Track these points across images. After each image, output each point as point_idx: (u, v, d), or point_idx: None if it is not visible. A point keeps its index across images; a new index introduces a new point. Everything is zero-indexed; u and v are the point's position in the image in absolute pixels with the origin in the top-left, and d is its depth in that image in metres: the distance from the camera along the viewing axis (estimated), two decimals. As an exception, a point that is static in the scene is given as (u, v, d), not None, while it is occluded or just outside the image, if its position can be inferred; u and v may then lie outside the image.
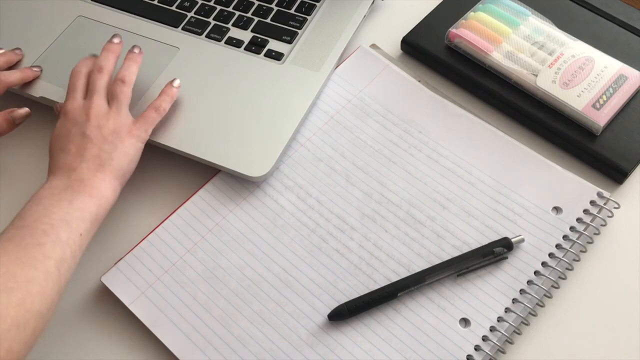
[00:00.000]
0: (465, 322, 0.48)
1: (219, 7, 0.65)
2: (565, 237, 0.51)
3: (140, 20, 0.64)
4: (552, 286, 0.49)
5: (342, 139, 0.57)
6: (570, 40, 0.58)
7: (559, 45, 0.58)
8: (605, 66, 0.57)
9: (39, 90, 0.59)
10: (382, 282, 0.50)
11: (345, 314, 0.48)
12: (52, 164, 0.50)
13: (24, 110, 0.55)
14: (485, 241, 0.51)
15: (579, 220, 0.52)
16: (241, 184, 0.55)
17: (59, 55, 0.62)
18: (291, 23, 0.63)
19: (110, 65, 0.55)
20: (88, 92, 0.54)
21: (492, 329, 0.47)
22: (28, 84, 0.59)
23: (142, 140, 0.53)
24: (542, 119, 0.56)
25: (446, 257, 0.50)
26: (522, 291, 0.49)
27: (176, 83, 0.56)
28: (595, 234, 0.51)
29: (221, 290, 0.50)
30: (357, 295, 0.49)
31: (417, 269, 0.50)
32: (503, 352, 0.47)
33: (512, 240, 0.50)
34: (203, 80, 0.59)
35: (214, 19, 0.64)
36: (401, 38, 0.63)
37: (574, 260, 0.50)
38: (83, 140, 0.50)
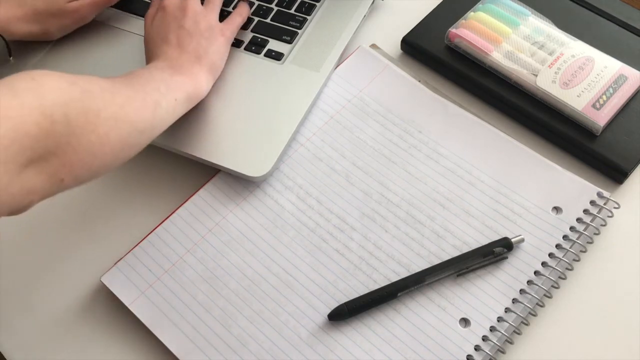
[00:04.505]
0: (465, 322, 0.48)
1: (219, 7, 0.65)
2: (565, 237, 0.51)
3: (141, 21, 0.64)
4: (552, 286, 0.49)
5: (342, 138, 0.57)
6: (570, 40, 0.58)
7: (559, 45, 0.58)
8: (605, 66, 0.57)
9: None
10: (382, 282, 0.50)
11: (345, 314, 0.48)
12: (154, 52, 0.54)
13: None
14: (485, 241, 0.51)
15: (579, 220, 0.52)
16: (241, 184, 0.55)
17: (60, 54, 0.62)
18: (291, 23, 0.63)
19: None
20: None
21: (492, 329, 0.47)
22: None
23: (230, 41, 0.58)
24: (542, 119, 0.56)
25: (446, 257, 0.50)
26: (522, 291, 0.49)
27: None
28: (595, 234, 0.51)
29: (221, 290, 0.50)
30: (357, 295, 0.49)
31: (417, 269, 0.50)
32: (503, 352, 0.47)
33: (512, 240, 0.50)
34: (203, 80, 0.59)
35: (214, 19, 0.64)
36: (401, 38, 0.63)
37: (574, 260, 0.50)
38: (182, 32, 0.55)
